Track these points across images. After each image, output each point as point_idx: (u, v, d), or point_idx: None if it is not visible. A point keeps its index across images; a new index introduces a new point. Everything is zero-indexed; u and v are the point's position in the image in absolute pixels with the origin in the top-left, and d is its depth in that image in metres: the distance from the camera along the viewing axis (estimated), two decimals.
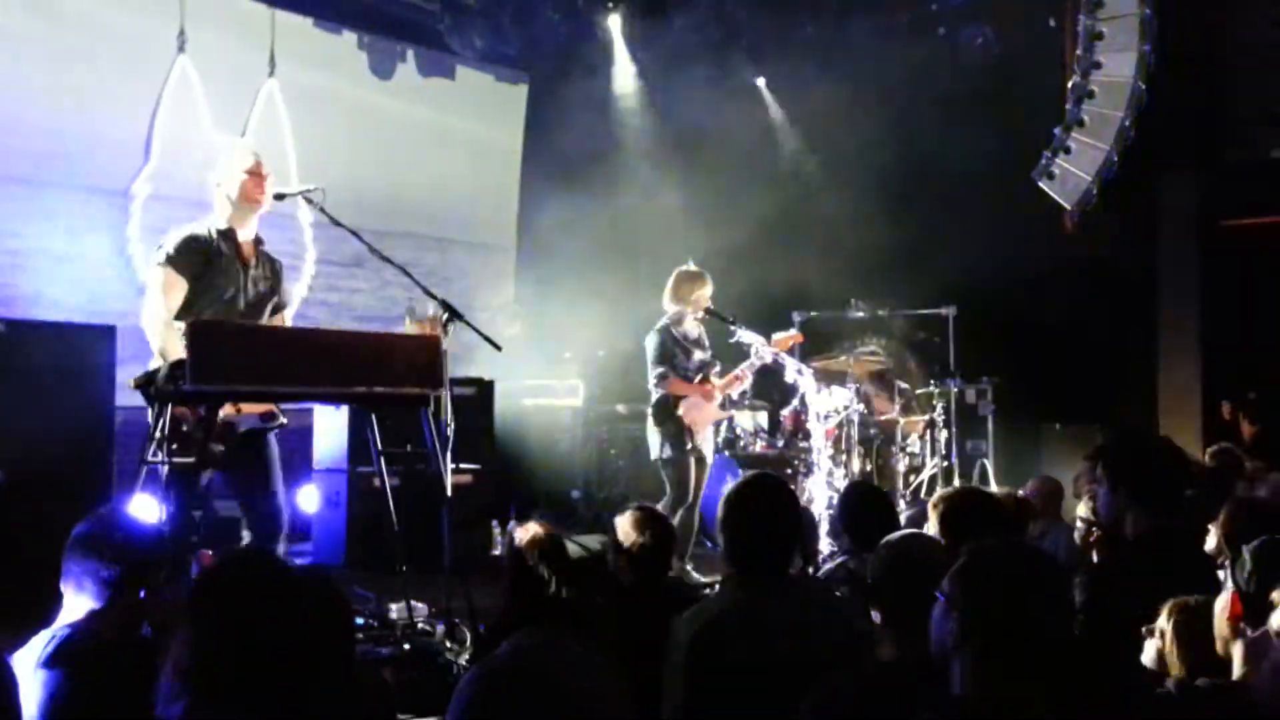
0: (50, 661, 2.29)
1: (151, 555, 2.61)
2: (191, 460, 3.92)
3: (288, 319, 4.83)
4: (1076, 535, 4.33)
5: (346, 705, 1.69)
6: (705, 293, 6.45)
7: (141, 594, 2.55)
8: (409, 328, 4.60)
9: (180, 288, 4.27)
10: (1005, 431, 8.76)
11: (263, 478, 4.42)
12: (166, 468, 3.96)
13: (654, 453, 6.46)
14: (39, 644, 2.34)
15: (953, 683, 1.91)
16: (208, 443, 3.93)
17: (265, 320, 4.57)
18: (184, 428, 4.01)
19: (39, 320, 5.18)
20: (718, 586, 3.90)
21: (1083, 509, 4.31)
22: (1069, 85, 7.84)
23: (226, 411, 4.15)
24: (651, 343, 6.44)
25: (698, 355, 6.47)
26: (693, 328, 6.52)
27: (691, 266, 6.55)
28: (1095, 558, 3.87)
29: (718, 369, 6.55)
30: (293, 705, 1.57)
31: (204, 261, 4.32)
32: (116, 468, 5.05)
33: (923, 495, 7.72)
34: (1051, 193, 7.92)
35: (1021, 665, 1.84)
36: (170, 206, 7.02)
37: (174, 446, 3.94)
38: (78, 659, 2.32)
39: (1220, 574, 2.99)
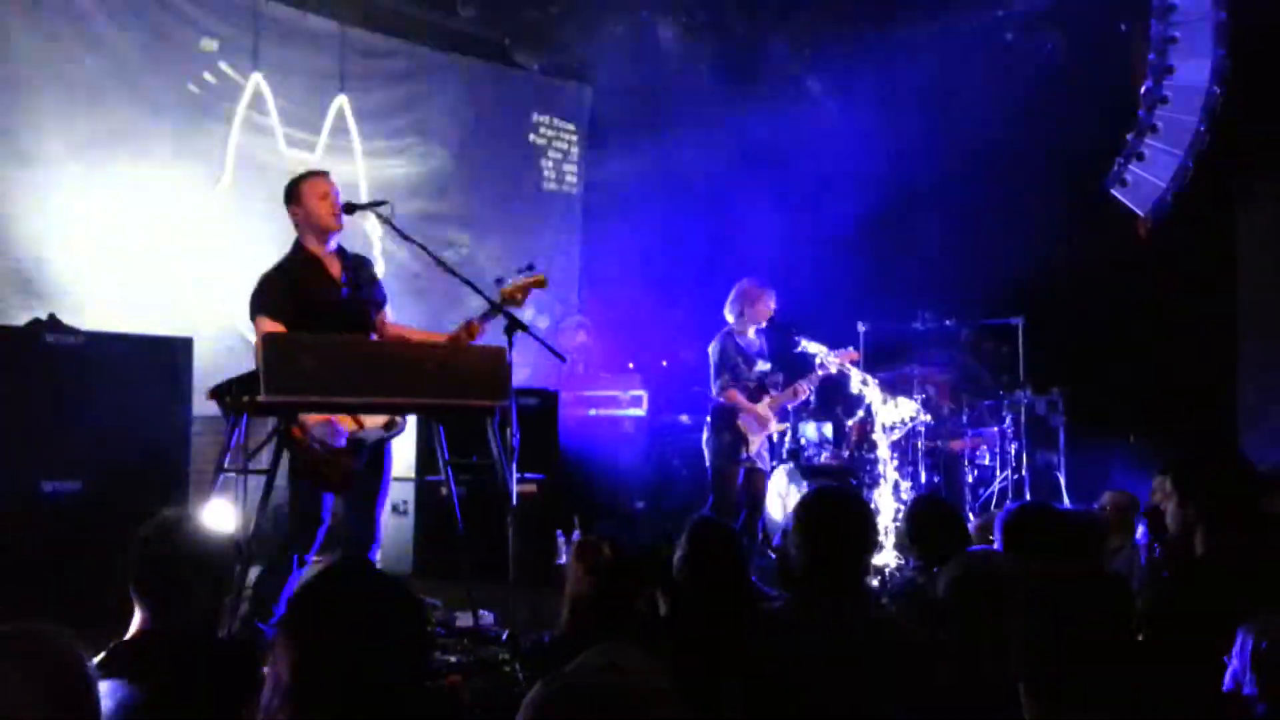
0: (105, 668, 2.31)
1: (208, 561, 2.63)
2: (264, 470, 4.00)
3: (389, 314, 4.85)
4: (1140, 555, 4.22)
5: (427, 713, 1.71)
6: (767, 305, 6.50)
7: (196, 601, 2.58)
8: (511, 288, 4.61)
9: (282, 329, 4.31)
10: (1077, 444, 8.58)
11: (374, 488, 4.50)
12: (265, 479, 4.07)
13: (709, 460, 6.54)
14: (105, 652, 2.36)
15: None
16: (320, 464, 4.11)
17: (374, 322, 4.63)
18: (315, 446, 4.09)
19: (117, 332, 5.26)
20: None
21: (1140, 530, 4.20)
22: (1141, 91, 7.69)
23: (350, 426, 4.23)
24: (714, 350, 6.54)
25: (759, 365, 6.52)
26: (755, 338, 6.58)
27: (753, 280, 6.60)
28: (1163, 574, 3.77)
29: (780, 380, 6.56)
30: (388, 716, 1.59)
31: (293, 295, 4.38)
32: (191, 477, 5.14)
33: (992, 508, 7.61)
34: (1125, 200, 7.76)
35: (1077, 694, 1.83)
36: (247, 219, 7.18)
37: (295, 463, 4.09)
38: (131, 664, 2.34)
39: None
